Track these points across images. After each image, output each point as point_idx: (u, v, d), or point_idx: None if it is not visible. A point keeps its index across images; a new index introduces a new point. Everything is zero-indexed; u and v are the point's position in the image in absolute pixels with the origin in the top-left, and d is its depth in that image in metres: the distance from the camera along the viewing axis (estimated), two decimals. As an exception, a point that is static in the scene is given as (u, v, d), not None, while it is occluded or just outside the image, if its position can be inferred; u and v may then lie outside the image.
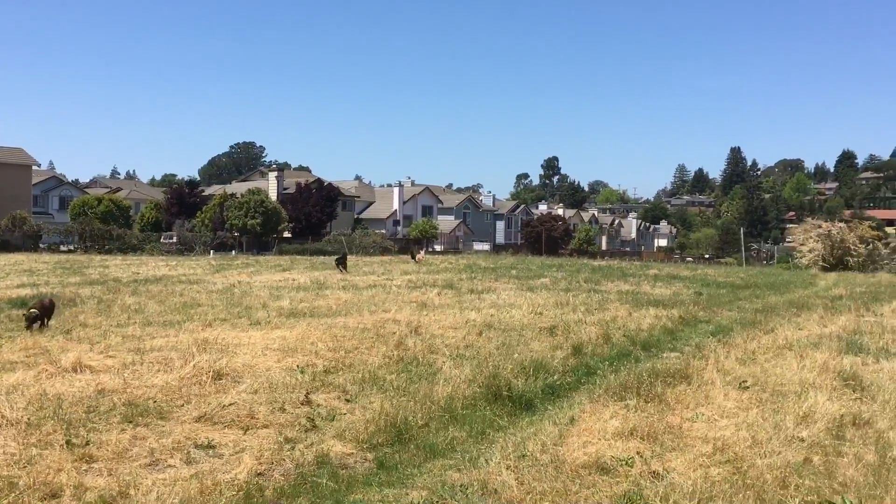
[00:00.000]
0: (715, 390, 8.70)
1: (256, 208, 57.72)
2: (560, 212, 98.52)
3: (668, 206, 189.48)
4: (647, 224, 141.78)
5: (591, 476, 6.09)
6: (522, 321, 14.77)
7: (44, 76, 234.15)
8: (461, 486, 5.94)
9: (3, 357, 10.37)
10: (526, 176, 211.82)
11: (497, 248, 79.11)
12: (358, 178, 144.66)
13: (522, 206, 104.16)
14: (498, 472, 6.10)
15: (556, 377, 9.81)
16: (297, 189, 68.64)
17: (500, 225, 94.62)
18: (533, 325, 14.30)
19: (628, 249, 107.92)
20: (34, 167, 60.13)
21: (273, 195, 67.07)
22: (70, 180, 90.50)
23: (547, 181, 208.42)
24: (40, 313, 13.26)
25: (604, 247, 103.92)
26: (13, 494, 5.41)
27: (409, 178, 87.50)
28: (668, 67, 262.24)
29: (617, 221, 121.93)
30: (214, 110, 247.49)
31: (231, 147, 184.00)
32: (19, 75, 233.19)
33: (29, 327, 12.78)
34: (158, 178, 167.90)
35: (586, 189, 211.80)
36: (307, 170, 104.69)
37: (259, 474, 6.18)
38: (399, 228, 77.92)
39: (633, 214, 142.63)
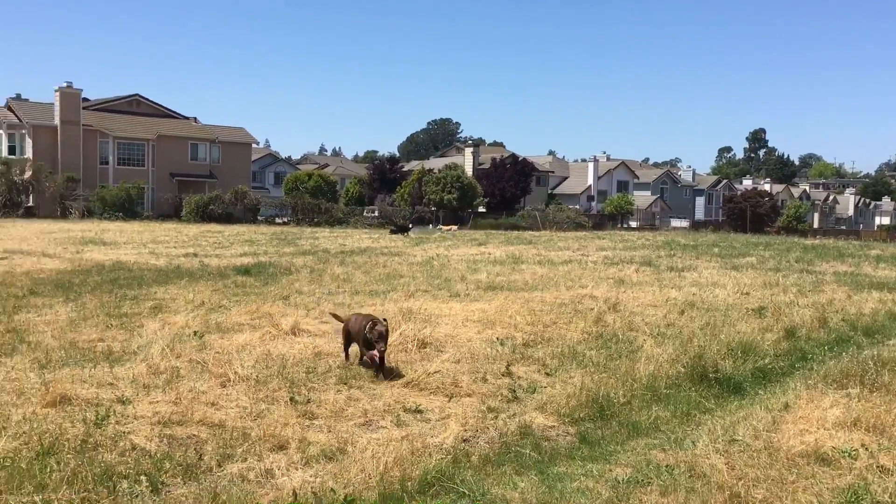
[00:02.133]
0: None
1: (453, 183, 59.11)
2: (766, 187, 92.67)
3: (893, 180, 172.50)
4: (867, 200, 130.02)
5: (809, 466, 5.74)
6: (727, 301, 14.11)
7: (259, 56, 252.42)
8: (667, 466, 5.81)
9: (232, 319, 11.35)
10: (729, 150, 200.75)
11: (696, 225, 75.89)
12: (551, 153, 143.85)
13: (725, 181, 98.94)
14: (706, 455, 5.89)
15: (766, 360, 9.32)
16: (491, 164, 69.54)
17: (700, 201, 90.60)
18: (739, 305, 13.62)
19: (844, 228, 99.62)
20: (253, 145, 64.93)
21: (469, 170, 68.33)
22: (283, 157, 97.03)
23: (752, 155, 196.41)
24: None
25: (816, 225, 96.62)
26: (247, 444, 5.93)
27: (605, 152, 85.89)
28: (887, 25, 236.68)
29: (832, 197, 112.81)
30: (413, 87, 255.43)
31: (428, 123, 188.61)
32: (238, 56, 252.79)
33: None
34: (361, 154, 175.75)
35: (796, 163, 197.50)
36: (501, 145, 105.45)
37: (464, 440, 6.38)
38: (593, 204, 76.82)
39: (850, 190, 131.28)
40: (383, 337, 7.98)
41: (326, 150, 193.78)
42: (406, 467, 5.43)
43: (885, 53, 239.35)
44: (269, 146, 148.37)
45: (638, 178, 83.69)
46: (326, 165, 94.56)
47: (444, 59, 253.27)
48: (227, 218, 50.33)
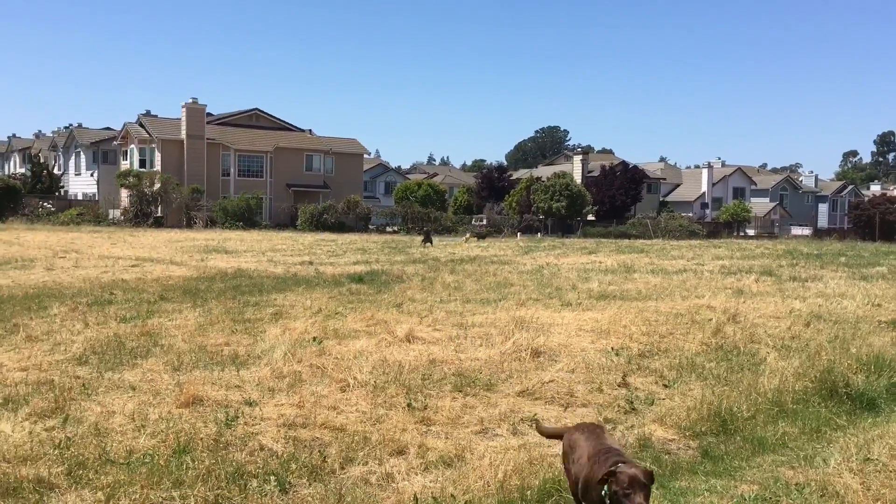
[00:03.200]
0: None
1: (561, 191, 58.64)
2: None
3: None
4: None
5: (952, 489, 5.38)
6: (857, 313, 13.38)
7: (369, 67, 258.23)
8: (796, 484, 5.57)
9: (348, 326, 11.63)
10: (854, 154, 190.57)
11: (819, 233, 72.40)
12: (663, 159, 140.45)
13: (850, 186, 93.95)
14: (839, 473, 5.63)
15: (902, 377, 8.78)
16: (601, 172, 68.60)
17: (823, 208, 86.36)
18: (870, 317, 12.90)
19: None
20: (364, 155, 66.48)
21: (577, 178, 67.64)
22: (393, 167, 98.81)
23: (880, 159, 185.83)
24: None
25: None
26: (367, 448, 6.07)
27: (720, 158, 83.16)
28: None
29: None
30: (520, 96, 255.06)
31: (536, 132, 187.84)
32: (350, 68, 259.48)
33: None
34: (469, 163, 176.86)
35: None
36: (610, 152, 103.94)
37: (582, 451, 6.30)
38: (707, 211, 74.53)
39: None
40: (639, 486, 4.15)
41: (435, 160, 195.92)
42: (525, 476, 5.43)
43: None
44: (379, 156, 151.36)
45: (755, 184, 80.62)
46: (435, 175, 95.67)
47: (552, 66, 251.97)
48: (339, 227, 51.66)
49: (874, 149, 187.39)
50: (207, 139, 54.85)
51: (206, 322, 11.75)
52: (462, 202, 70.92)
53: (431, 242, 35.25)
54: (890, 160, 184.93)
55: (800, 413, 7.46)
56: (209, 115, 57.53)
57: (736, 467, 6.11)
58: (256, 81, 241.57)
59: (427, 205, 59.08)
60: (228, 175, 56.05)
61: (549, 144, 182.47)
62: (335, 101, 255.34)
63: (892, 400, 8.10)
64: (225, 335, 10.68)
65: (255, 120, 60.64)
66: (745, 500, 5.35)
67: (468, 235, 46.07)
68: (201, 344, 9.97)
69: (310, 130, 63.25)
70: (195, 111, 54.68)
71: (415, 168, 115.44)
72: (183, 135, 54.29)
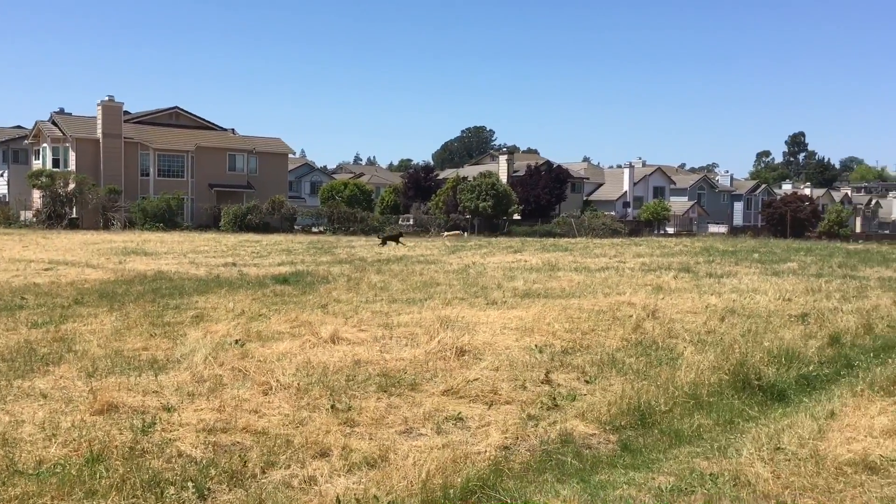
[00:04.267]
0: None
1: (487, 191, 59.07)
2: (807, 191, 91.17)
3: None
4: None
5: (857, 475, 5.65)
6: (769, 307, 13.91)
7: (294, 67, 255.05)
8: (710, 475, 5.75)
9: (272, 328, 11.47)
10: (767, 154, 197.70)
11: (735, 231, 74.93)
12: (586, 159, 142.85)
13: (763, 185, 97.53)
14: (751, 463, 5.83)
15: (810, 368, 9.18)
16: (526, 171, 69.36)
17: (739, 206, 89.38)
18: (781, 311, 13.43)
19: (888, 232, 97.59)
20: (290, 155, 65.57)
21: (503, 178, 68.26)
22: (319, 167, 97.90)
23: (791, 159, 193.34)
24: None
25: (858, 229, 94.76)
26: (290, 451, 6.00)
27: (640, 158, 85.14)
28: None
29: (874, 201, 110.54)
30: (446, 96, 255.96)
31: (462, 131, 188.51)
32: (275, 67, 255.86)
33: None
34: (396, 163, 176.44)
35: (837, 167, 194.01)
36: (535, 152, 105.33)
37: (505, 448, 6.38)
38: (629, 210, 76.23)
39: (893, 193, 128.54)
40: None
41: (361, 160, 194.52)
42: (448, 475, 5.45)
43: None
44: (304, 156, 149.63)
45: (675, 183, 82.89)
46: (362, 175, 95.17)
47: (478, 66, 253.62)
48: (264, 227, 50.85)
49: (786, 149, 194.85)
50: (125, 138, 53.22)
51: (124, 326, 11.43)
52: (389, 202, 70.73)
53: (398, 242, 35.39)
54: (800, 160, 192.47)
55: (714, 405, 7.71)
56: (127, 113, 55.85)
57: (654, 459, 6.26)
58: (177, 79, 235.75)
59: (353, 205, 58.70)
60: (148, 175, 54.53)
61: (475, 144, 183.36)
62: (259, 101, 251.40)
63: (801, 391, 8.44)
64: (143, 339, 10.41)
65: (175, 119, 59.15)
66: (662, 491, 5.49)
67: (445, 233, 45.95)
68: (118, 349, 9.69)
69: (232, 129, 62.06)
70: (111, 109, 52.98)
71: (341, 168, 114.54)
72: (99, 133, 52.53)
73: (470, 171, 76.74)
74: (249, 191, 57.72)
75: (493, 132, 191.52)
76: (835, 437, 6.46)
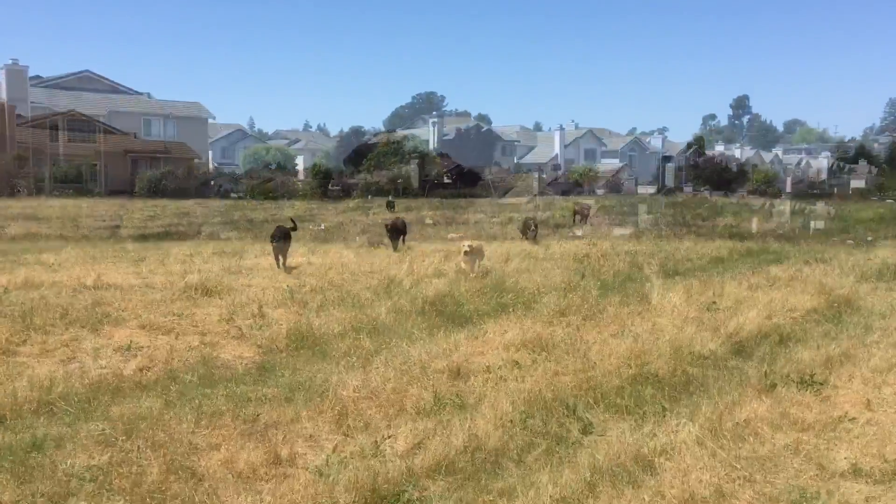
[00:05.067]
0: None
1: (411, 154, 59.20)
2: (737, 153, 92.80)
3: (876, 144, 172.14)
4: (842, 164, 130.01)
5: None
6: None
7: (241, 32, 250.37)
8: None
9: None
10: (713, 117, 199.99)
11: (664, 191, 76.04)
12: (539, 126, 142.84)
13: (694, 147, 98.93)
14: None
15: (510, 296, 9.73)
16: (456, 134, 69.67)
17: (670, 167, 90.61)
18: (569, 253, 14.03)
19: (816, 192, 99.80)
20: (210, 119, 64.66)
21: (432, 141, 68.43)
22: (252, 133, 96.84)
23: (736, 122, 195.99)
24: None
25: (789, 189, 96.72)
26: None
27: (573, 121, 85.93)
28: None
29: (804, 161, 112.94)
30: (398, 61, 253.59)
31: (413, 97, 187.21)
32: (218, 31, 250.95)
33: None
34: (346, 130, 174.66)
35: (780, 129, 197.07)
36: (467, 114, 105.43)
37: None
38: (559, 172, 76.96)
39: (824, 154, 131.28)
40: None
41: (311, 127, 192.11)
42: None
43: (872, 16, 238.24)
44: (252, 124, 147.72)
45: (605, 145, 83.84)
46: (297, 140, 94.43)
47: (429, 28, 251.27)
48: (180, 193, 50.23)
49: (730, 112, 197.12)
50: (32, 103, 52.07)
51: None
52: (321, 168, 70.42)
53: (394, 208, 34.73)
54: (745, 123, 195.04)
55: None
56: (37, 77, 54.60)
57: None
58: (92, 44, 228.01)
59: (274, 169, 58.35)
60: (57, 141, 53.48)
61: (426, 110, 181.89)
62: (201, 68, 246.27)
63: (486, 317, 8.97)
64: None
65: (86, 83, 57.97)
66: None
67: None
68: None
69: (147, 94, 61.15)
70: (16, 73, 51.72)
71: (277, 134, 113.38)
72: (3, 98, 51.32)
73: (402, 135, 76.73)
74: (167, 156, 56.94)
75: (444, 98, 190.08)
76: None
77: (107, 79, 59.22)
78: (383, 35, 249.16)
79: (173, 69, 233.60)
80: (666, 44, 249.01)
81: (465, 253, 11.38)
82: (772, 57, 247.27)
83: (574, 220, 20.09)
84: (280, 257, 13.11)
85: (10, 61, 51.48)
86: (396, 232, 16.03)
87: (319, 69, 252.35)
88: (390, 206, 32.51)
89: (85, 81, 58.18)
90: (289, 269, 12.67)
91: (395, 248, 15.55)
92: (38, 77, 54.73)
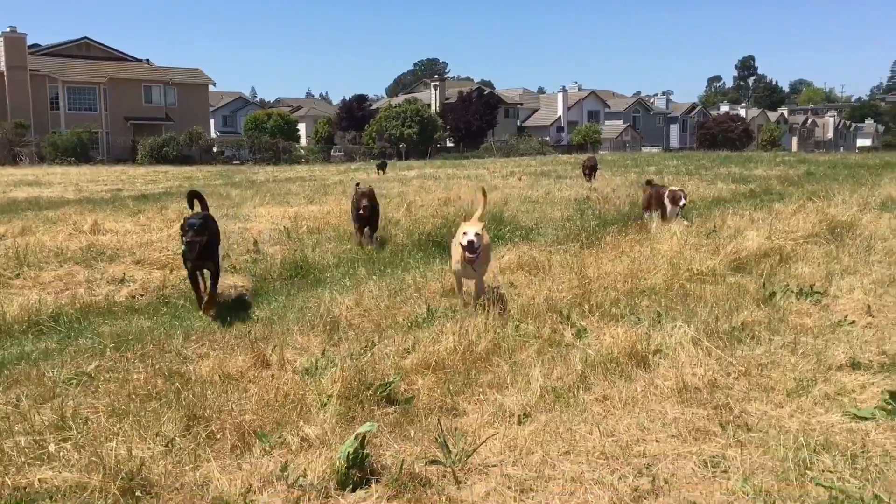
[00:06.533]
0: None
1: (412, 118, 58.77)
2: (742, 112, 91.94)
3: (882, 103, 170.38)
4: (848, 123, 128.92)
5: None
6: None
7: (239, 5, 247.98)
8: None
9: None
10: (718, 79, 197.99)
11: (669, 152, 75.58)
12: (541, 89, 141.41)
13: (699, 107, 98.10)
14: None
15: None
16: (458, 98, 68.95)
17: (674, 128, 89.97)
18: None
19: (823, 151, 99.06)
20: (211, 87, 64.19)
21: (433, 105, 67.88)
22: (254, 100, 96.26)
23: (742, 83, 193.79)
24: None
25: (794, 148, 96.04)
26: None
27: (576, 83, 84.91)
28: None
29: (810, 121, 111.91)
30: (400, 28, 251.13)
31: (415, 64, 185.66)
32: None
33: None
34: (349, 98, 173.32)
35: (786, 89, 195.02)
36: (470, 80, 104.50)
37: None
38: (563, 135, 76.41)
39: (830, 113, 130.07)
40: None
41: (314, 95, 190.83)
42: None
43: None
44: (254, 93, 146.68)
45: (609, 107, 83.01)
46: (300, 108, 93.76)
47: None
48: (183, 160, 50.10)
49: (735, 73, 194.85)
50: (31, 71, 51.75)
51: None
52: (323, 133, 70.06)
53: (383, 172, 33.26)
54: (750, 84, 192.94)
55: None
56: (35, 46, 54.18)
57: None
58: (91, 9, 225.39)
59: (277, 135, 58.05)
60: (58, 109, 53.23)
61: (428, 76, 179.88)
62: (209, 36, 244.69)
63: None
64: None
65: (85, 50, 57.49)
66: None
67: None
68: None
69: (147, 60, 60.59)
70: (15, 41, 51.33)
71: (279, 101, 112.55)
72: (2, 66, 51.03)
73: (402, 99, 76.12)
74: (168, 123, 56.70)
75: (447, 64, 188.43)
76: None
77: (106, 46, 58.72)
78: (385, 1, 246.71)
79: (173, 36, 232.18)
80: (671, 4, 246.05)
81: (467, 249, 5.85)
82: (778, 17, 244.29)
83: (584, 176, 19.88)
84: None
85: (8, 29, 51.07)
86: (362, 220, 9.55)
87: (321, 37, 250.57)
88: (381, 167, 29.97)
89: (84, 48, 57.69)
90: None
91: (360, 242, 9.41)
92: (36, 45, 54.29)
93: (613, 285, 6.46)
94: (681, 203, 10.28)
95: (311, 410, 3.98)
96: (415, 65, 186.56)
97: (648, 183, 11.72)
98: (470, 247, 5.69)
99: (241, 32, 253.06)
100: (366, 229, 9.37)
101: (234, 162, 54.21)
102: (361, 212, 9.18)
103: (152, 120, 56.92)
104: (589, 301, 5.93)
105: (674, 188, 10.70)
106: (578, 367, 4.51)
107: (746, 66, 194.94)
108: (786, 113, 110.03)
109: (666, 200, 10.38)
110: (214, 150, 54.15)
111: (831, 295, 6.24)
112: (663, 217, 10.31)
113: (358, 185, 10.22)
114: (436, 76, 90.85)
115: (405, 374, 4.51)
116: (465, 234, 5.76)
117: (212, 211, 11.61)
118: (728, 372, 4.55)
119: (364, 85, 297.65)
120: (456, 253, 6.03)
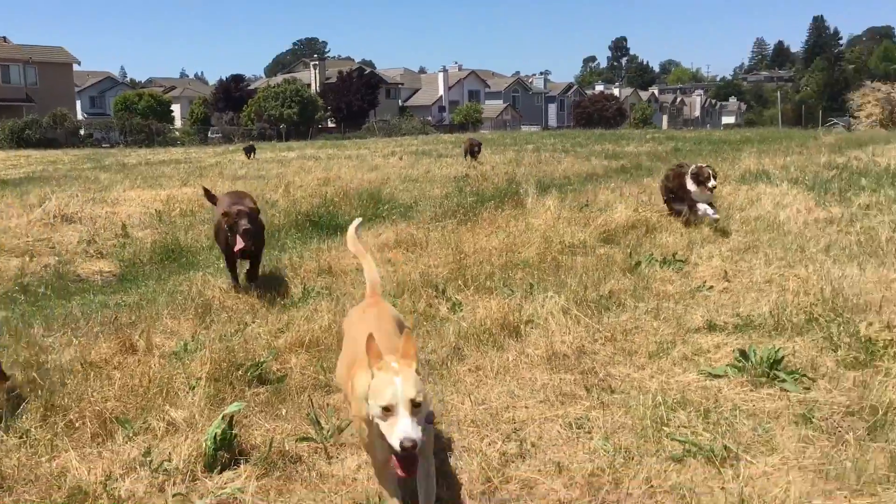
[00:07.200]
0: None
1: (292, 98, 57.64)
2: (616, 92, 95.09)
3: (745, 83, 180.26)
4: (714, 101, 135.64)
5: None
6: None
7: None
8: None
9: None
10: (593, 59, 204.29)
11: (548, 130, 77.36)
12: (423, 70, 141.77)
13: (575, 87, 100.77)
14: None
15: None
16: (338, 78, 68.07)
17: (553, 107, 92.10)
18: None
19: (692, 128, 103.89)
20: (76, 66, 60.80)
21: (314, 85, 66.80)
22: (124, 80, 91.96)
23: (615, 63, 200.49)
24: None
25: (664, 126, 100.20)
26: None
27: (457, 63, 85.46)
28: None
29: (679, 99, 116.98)
30: (279, 7, 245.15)
31: (294, 44, 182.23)
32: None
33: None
34: (226, 78, 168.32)
35: (657, 69, 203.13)
36: (350, 59, 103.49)
37: None
38: (445, 114, 76.85)
39: (697, 92, 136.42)
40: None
41: (188, 75, 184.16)
42: None
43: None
44: (124, 73, 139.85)
45: (489, 87, 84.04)
46: (173, 88, 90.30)
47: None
48: (47, 143, 47.33)
49: (609, 54, 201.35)
50: None
51: None
52: (199, 115, 67.68)
53: (253, 155, 30.16)
54: (623, 64, 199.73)
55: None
56: None
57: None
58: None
59: (149, 117, 55.65)
60: None
61: (307, 56, 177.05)
62: (81, 14, 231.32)
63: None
64: None
65: (-70, 26, 53.25)
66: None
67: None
68: None
69: (3, 38, 56.65)
70: None
71: (151, 82, 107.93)
72: None
73: (281, 79, 74.51)
74: (30, 104, 53.31)
75: (327, 43, 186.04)
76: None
77: (-46, 21, 54.50)
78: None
79: (33, 12, 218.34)
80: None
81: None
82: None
83: (465, 156, 20.02)
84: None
85: None
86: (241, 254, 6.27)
87: (196, 15, 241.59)
88: (249, 151, 26.23)
89: (-72, 24, 53.32)
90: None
91: (236, 283, 6.28)
92: None
93: (489, 259, 6.59)
94: (710, 184, 7.85)
95: (179, 394, 3.87)
96: (294, 44, 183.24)
97: (679, 167, 8.71)
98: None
99: (108, 8, 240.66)
100: (244, 263, 6.33)
101: (104, 145, 51.67)
102: (239, 245, 5.79)
103: (12, 101, 53.30)
104: (464, 275, 6.02)
105: (700, 164, 8.22)
106: (452, 340, 4.59)
107: (619, 46, 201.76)
108: (656, 92, 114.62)
109: (688, 182, 8.00)
110: (82, 132, 51.37)
111: (692, 262, 6.58)
112: (690, 207, 8.04)
113: (232, 207, 6.06)
114: (315, 56, 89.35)
115: (278, 354, 4.47)
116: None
117: (77, 197, 11.13)
118: (595, 338, 4.74)
119: (242, 65, 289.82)
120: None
